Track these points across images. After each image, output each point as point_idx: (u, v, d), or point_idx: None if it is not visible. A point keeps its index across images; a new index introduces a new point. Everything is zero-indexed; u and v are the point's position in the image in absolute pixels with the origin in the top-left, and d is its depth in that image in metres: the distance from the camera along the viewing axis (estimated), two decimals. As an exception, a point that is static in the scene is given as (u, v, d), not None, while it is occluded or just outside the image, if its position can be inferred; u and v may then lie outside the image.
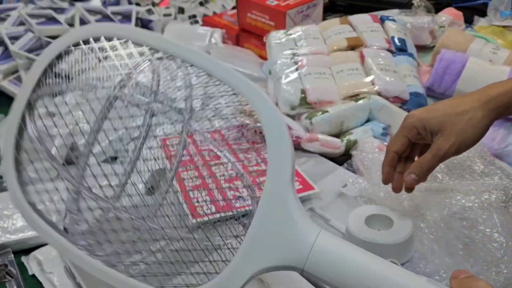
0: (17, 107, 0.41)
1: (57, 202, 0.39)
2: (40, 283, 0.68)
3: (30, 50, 1.20)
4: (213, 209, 0.44)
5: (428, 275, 0.55)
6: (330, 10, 1.34)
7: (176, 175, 0.44)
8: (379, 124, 0.82)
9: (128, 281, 0.38)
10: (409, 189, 0.58)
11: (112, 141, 0.40)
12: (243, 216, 0.40)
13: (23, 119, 0.42)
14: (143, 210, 0.38)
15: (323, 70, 0.89)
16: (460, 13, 1.15)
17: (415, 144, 0.59)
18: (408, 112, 0.84)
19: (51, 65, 0.43)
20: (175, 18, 1.56)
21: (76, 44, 0.42)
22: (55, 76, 0.42)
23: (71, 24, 1.33)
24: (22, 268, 0.71)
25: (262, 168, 0.76)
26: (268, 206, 0.38)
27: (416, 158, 0.59)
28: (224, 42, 1.27)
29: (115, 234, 0.40)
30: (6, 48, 1.24)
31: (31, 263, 0.71)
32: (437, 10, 1.17)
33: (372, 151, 0.75)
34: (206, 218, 0.46)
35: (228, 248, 0.38)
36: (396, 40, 0.95)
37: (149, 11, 1.57)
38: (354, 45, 0.93)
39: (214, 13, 1.56)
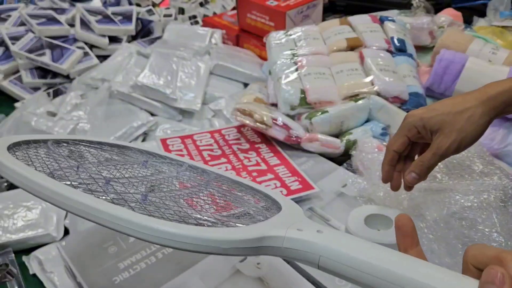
0: None
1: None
2: (41, 283, 0.68)
3: (30, 50, 1.20)
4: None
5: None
6: (329, 11, 1.35)
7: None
8: (379, 124, 0.82)
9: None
10: (409, 188, 0.58)
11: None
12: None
13: None
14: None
15: (323, 70, 0.89)
16: (459, 14, 1.15)
17: (415, 144, 0.59)
18: (408, 112, 0.84)
19: None
20: (176, 18, 1.57)
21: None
22: None
23: (71, 25, 1.34)
24: (23, 267, 0.71)
25: (261, 168, 0.76)
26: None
27: (416, 157, 0.59)
28: (224, 42, 1.27)
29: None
30: (7, 48, 1.25)
31: (32, 263, 0.71)
32: (437, 11, 1.18)
33: (371, 151, 0.75)
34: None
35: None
36: (396, 41, 0.95)
37: (150, 12, 1.57)
38: (353, 46, 0.94)
39: (214, 13, 1.57)
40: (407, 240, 0.36)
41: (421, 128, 0.55)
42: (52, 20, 1.31)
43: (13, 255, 0.72)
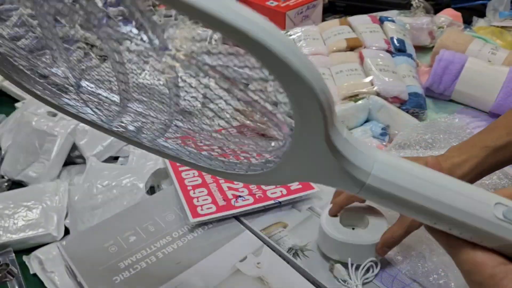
0: None
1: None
2: (42, 282, 0.69)
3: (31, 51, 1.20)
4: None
5: (427, 274, 0.56)
6: (329, 11, 1.35)
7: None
8: (378, 124, 0.82)
9: None
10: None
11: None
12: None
13: None
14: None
15: (323, 71, 0.89)
16: (459, 14, 1.15)
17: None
18: (407, 112, 0.84)
19: None
20: (176, 19, 1.57)
21: None
22: None
23: (71, 25, 1.34)
24: (23, 267, 0.71)
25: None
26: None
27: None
28: (224, 43, 1.27)
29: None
30: (7, 49, 1.25)
31: (32, 263, 0.71)
32: (436, 11, 1.18)
33: (371, 151, 0.75)
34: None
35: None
36: (395, 41, 0.95)
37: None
38: (353, 46, 0.94)
39: (214, 14, 1.57)
40: None
41: None
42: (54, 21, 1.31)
43: (13, 254, 0.72)
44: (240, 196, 0.68)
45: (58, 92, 0.38)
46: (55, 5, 0.32)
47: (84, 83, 0.37)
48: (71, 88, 0.37)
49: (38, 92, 0.38)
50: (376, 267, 0.57)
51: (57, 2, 0.32)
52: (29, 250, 0.73)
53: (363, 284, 0.55)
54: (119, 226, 0.65)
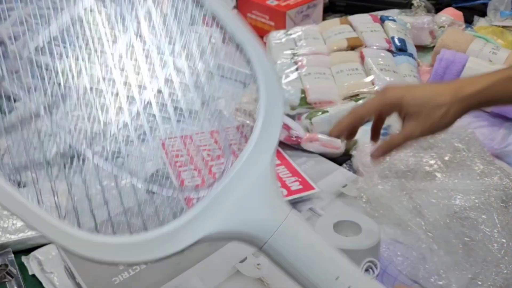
0: None
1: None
2: (40, 283, 0.68)
3: (30, 50, 1.20)
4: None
5: (428, 275, 0.55)
6: (330, 10, 1.34)
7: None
8: (379, 124, 0.82)
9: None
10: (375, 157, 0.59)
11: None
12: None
13: None
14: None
15: (323, 70, 0.89)
16: (460, 13, 1.15)
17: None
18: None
19: None
20: (176, 18, 1.57)
21: None
22: None
23: (71, 24, 1.34)
24: (22, 268, 0.71)
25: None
26: (246, 165, 0.36)
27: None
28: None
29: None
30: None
31: (31, 263, 0.71)
32: (437, 10, 1.17)
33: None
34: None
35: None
36: (396, 40, 0.95)
37: (150, 11, 1.57)
38: (354, 45, 0.93)
39: (215, 13, 1.56)
40: None
41: (397, 107, 0.56)
42: (52, 20, 1.31)
43: (12, 255, 0.72)
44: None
45: None
46: None
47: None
48: None
49: None
50: (376, 268, 0.56)
51: None
52: (28, 250, 0.73)
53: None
54: (118, 226, 0.65)
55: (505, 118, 0.83)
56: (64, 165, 0.34)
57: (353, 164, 0.76)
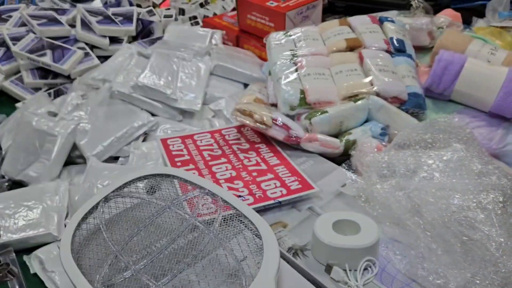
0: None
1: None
2: (42, 282, 0.69)
3: (31, 51, 1.21)
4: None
5: (426, 274, 0.56)
6: (329, 11, 1.35)
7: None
8: (378, 125, 0.83)
9: None
10: None
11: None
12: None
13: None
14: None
15: (323, 71, 0.89)
16: (458, 14, 1.15)
17: None
18: (407, 112, 0.85)
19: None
20: (176, 19, 1.57)
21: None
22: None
23: (72, 25, 1.34)
24: (24, 267, 0.72)
25: (261, 168, 0.77)
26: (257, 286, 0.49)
27: None
28: (224, 43, 1.28)
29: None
30: (8, 49, 1.25)
31: (33, 262, 0.71)
32: (436, 11, 1.18)
33: (371, 151, 0.76)
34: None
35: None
36: (395, 41, 0.95)
37: (150, 12, 1.58)
38: (353, 46, 0.94)
39: (215, 14, 1.57)
40: None
41: None
42: (53, 21, 1.31)
43: (14, 254, 0.73)
44: (240, 196, 0.68)
45: None
46: None
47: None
48: None
49: None
50: (374, 267, 0.57)
51: None
52: (30, 249, 0.74)
53: (364, 284, 0.55)
54: (119, 226, 0.65)
55: (503, 118, 0.84)
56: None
57: (352, 164, 0.77)
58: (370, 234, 0.58)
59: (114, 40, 1.34)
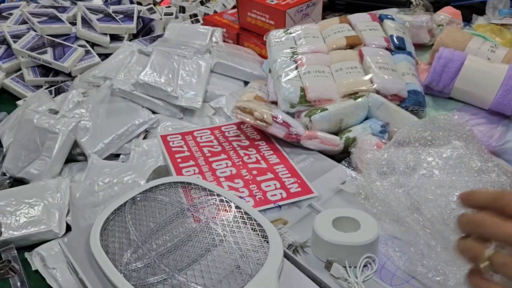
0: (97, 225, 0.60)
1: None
2: (43, 279, 0.69)
3: (32, 49, 1.21)
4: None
5: (425, 271, 0.56)
6: (329, 9, 1.35)
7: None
8: (378, 122, 0.83)
9: None
10: None
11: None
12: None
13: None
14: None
15: (323, 69, 0.89)
16: (458, 12, 1.15)
17: None
18: (407, 109, 0.85)
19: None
20: (176, 17, 1.57)
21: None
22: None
23: (73, 23, 1.34)
24: (25, 264, 0.72)
25: (261, 166, 0.77)
26: (261, 277, 0.53)
27: None
28: (224, 41, 1.28)
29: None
30: (9, 47, 1.25)
31: (34, 259, 0.72)
32: (436, 9, 1.18)
33: (370, 148, 0.76)
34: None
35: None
36: (395, 39, 0.95)
37: (151, 10, 1.58)
38: (353, 44, 0.94)
39: (215, 12, 1.57)
40: None
41: None
42: (54, 19, 1.32)
43: (15, 251, 0.73)
44: (240, 197, 0.68)
45: None
46: None
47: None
48: None
49: None
50: (374, 264, 0.57)
51: None
52: (31, 246, 0.74)
53: (363, 281, 0.55)
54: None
55: (503, 116, 0.84)
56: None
57: (352, 161, 0.77)
58: (370, 231, 0.58)
59: (115, 37, 1.34)
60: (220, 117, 0.98)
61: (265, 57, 1.15)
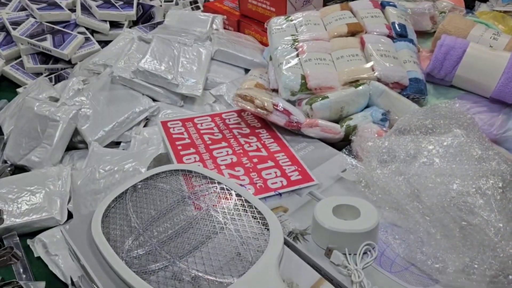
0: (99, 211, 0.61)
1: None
2: (46, 265, 0.70)
3: (31, 36, 1.20)
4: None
5: (425, 258, 0.56)
6: (331, -4, 1.34)
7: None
8: (379, 110, 0.83)
9: None
10: None
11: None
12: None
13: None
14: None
15: (324, 56, 0.89)
16: (461, -1, 1.14)
17: None
18: (408, 97, 0.84)
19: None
20: (177, 3, 1.56)
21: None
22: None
23: (72, 10, 1.33)
24: (28, 250, 0.72)
25: (262, 154, 0.77)
26: (262, 264, 0.54)
27: None
28: (225, 28, 1.27)
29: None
30: (8, 34, 1.25)
31: (37, 246, 0.72)
32: (438, -4, 1.17)
33: (371, 136, 0.76)
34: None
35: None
36: (397, 26, 0.95)
37: (150, -3, 1.56)
38: (354, 31, 0.94)
39: (215, -2, 1.56)
40: None
41: None
42: (53, 5, 1.31)
43: (17, 238, 0.73)
44: (241, 185, 0.69)
45: None
46: None
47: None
48: None
49: None
50: (374, 251, 0.58)
51: None
52: (33, 233, 0.74)
53: (363, 268, 0.56)
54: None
55: (504, 104, 0.84)
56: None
57: (353, 149, 0.77)
58: (370, 218, 0.58)
59: (115, 24, 1.34)
60: (221, 104, 0.98)
61: (266, 45, 1.14)
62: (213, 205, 0.62)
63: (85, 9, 1.32)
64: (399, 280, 0.55)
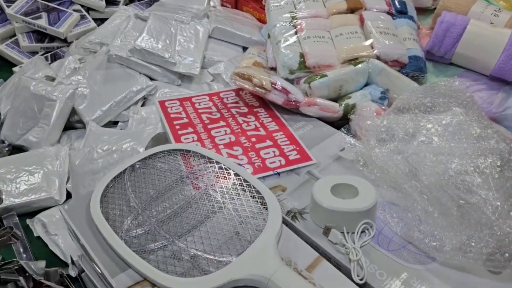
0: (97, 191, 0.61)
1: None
2: (46, 245, 0.70)
3: (26, 13, 1.18)
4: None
5: (422, 236, 0.57)
6: (330, -29, 1.32)
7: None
8: (378, 88, 0.82)
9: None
10: None
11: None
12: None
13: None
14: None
15: (322, 34, 0.88)
16: (462, -26, 1.12)
17: None
18: (407, 75, 0.84)
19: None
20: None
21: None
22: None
23: (67, -13, 1.31)
24: (27, 230, 0.73)
25: (260, 133, 0.77)
26: (260, 243, 0.54)
27: None
28: (222, 5, 1.25)
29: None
30: (2, 11, 1.23)
31: (36, 226, 0.72)
32: (440, -29, 1.15)
33: (370, 115, 0.75)
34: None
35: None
36: (396, 2, 0.93)
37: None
38: (353, 8, 0.92)
39: (213, -26, 1.53)
40: None
41: None
42: (47, -18, 1.28)
43: (17, 218, 0.74)
44: (239, 165, 0.69)
45: None
46: None
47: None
48: None
49: None
50: (372, 230, 0.58)
51: None
52: (32, 213, 0.75)
53: (361, 246, 0.56)
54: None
55: (504, 82, 0.83)
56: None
57: (351, 128, 0.77)
58: (368, 197, 0.58)
59: (110, 2, 1.31)
60: (219, 83, 0.97)
61: (264, 22, 1.12)
62: (212, 185, 0.62)
63: (80, -14, 1.30)
64: (397, 258, 0.56)
